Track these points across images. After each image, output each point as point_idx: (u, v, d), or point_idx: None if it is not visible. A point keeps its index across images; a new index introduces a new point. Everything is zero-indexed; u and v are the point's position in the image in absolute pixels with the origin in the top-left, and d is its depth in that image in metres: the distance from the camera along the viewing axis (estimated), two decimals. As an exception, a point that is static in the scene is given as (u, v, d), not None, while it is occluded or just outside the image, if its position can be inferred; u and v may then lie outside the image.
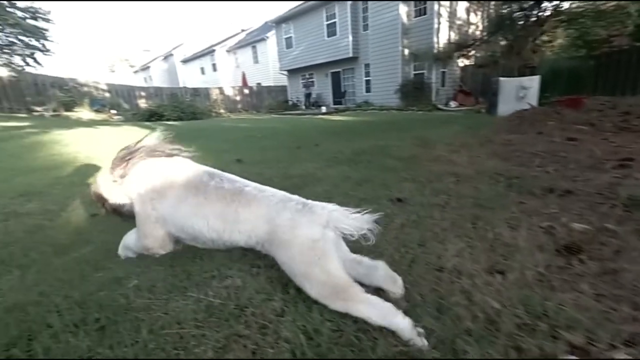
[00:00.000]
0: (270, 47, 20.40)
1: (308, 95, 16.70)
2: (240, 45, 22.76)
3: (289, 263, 1.02)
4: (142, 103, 14.62)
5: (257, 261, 1.34)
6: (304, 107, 16.68)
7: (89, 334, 0.96)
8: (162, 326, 0.98)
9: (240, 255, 1.40)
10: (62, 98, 11.81)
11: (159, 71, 29.41)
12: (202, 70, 25.56)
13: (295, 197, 1.13)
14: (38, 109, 11.22)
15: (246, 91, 18.95)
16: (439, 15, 11.54)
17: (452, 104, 11.73)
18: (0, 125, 7.36)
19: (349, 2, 13.77)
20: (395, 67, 12.75)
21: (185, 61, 27.20)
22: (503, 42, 9.08)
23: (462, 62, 12.28)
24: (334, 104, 16.28)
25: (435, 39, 11.57)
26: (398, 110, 11.77)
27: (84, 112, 11.66)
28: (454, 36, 12.15)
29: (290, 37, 17.24)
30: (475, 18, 13.04)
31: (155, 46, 35.07)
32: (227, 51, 23.56)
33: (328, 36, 15.19)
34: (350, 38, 14.20)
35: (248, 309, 1.05)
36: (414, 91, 12.14)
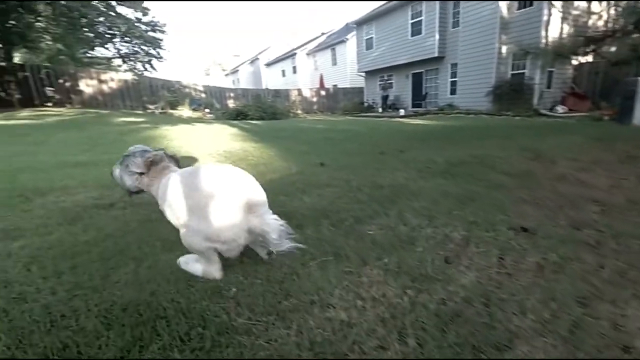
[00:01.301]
0: (349, 49, 20.41)
1: (385, 97, 16.18)
2: (320, 48, 23.33)
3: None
4: (231, 103, 16.04)
5: (360, 291, 1.17)
6: (380, 109, 16.22)
7: (194, 351, 0.90)
8: (265, 360, 0.87)
9: (339, 277, 1.24)
10: (169, 98, 13.68)
11: (245, 74, 32.13)
12: (283, 73, 27.01)
13: None
14: (151, 107, 13.19)
15: (323, 93, 19.32)
16: (551, 5, 9.90)
17: (560, 108, 9.96)
18: (124, 120, 8.81)
19: (438, 2, 12.88)
20: (488, 67, 11.42)
21: (268, 64, 29.14)
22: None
23: (576, 59, 10.32)
24: (413, 107, 15.44)
25: (543, 33, 9.96)
26: (488, 114, 10.51)
27: (184, 110, 13.31)
28: (567, 29, 10.29)
29: (371, 37, 16.94)
30: (599, 6, 10.83)
31: (244, 51, 38.50)
32: (307, 54, 24.41)
33: (412, 35, 14.45)
34: (437, 37, 13.24)
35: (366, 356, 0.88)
36: (511, 94, 10.67)
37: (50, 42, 16.62)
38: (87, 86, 12.51)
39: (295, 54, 24.61)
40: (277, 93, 17.78)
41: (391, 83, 16.80)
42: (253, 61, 31.92)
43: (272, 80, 28.25)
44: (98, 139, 5.10)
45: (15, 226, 1.75)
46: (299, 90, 18.69)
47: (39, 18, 12.65)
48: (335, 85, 20.81)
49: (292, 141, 5.33)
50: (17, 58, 13.70)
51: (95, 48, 18.01)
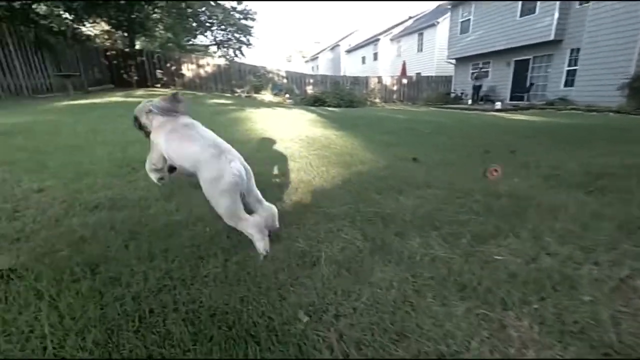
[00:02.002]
0: (439, 33, 18.64)
1: (477, 88, 14.37)
2: (405, 33, 21.89)
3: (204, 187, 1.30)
4: (309, 89, 16.22)
5: (511, 352, 0.81)
6: (469, 101, 14.52)
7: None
8: None
9: (472, 322, 0.90)
10: (254, 82, 14.43)
11: (325, 60, 32.28)
12: (363, 60, 26.29)
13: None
14: (238, 90, 14.12)
15: (404, 81, 18.17)
16: None
17: None
18: (215, 102, 9.52)
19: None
20: (627, 53, 9.08)
21: (349, 51, 28.68)
22: None
23: None
24: (512, 100, 13.39)
25: None
26: (620, 113, 8.39)
27: (266, 95, 13.90)
28: None
29: (468, 20, 15.09)
30: None
31: (325, 38, 38.67)
32: (391, 40, 23.18)
33: (521, 15, 12.35)
34: (556, 15, 11.03)
35: None
36: (657, 87, 8.32)
37: (162, 31, 19.05)
38: (188, 70, 13.97)
39: (378, 39, 23.61)
40: (355, 80, 17.33)
41: (486, 72, 14.83)
42: (333, 48, 31.79)
43: (351, 67, 27.80)
44: (194, 117, 5.50)
45: (121, 195, 1.82)
46: (379, 78, 17.90)
47: (156, 10, 14.46)
48: (418, 74, 19.35)
49: (372, 130, 4.97)
50: (137, 45, 15.96)
51: (197, 36, 19.99)
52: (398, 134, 4.55)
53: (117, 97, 8.21)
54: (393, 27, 24.48)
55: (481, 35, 14.36)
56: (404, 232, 1.50)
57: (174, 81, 13.72)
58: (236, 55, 19.70)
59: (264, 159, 2.80)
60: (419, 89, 18.19)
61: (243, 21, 17.85)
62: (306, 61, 39.13)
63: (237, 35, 18.92)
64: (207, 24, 17.74)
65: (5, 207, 1.57)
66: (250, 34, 18.79)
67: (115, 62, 12.71)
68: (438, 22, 18.62)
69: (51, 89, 8.74)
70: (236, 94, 13.78)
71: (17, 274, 1.06)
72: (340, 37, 32.85)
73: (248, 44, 19.50)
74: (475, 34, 14.65)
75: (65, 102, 6.63)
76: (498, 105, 11.60)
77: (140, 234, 1.40)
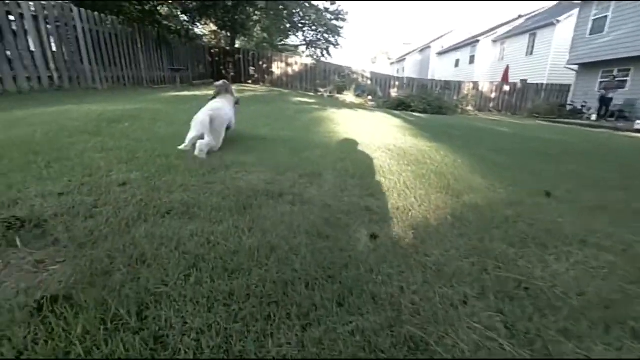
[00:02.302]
0: (558, 34, 15.79)
1: (606, 101, 11.63)
2: (513, 34, 19.20)
3: None
4: (394, 92, 15.41)
5: None
6: (593, 116, 11.87)
7: None
8: None
9: None
10: (338, 83, 14.32)
11: (412, 63, 30.70)
12: (457, 63, 24.09)
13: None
14: (321, 89, 14.18)
15: (506, 88, 15.90)
16: None
17: None
18: (299, 100, 9.61)
19: None
20: None
21: (441, 53, 26.64)
22: None
23: None
24: (658, 118, 10.44)
25: None
26: None
27: (349, 95, 13.62)
28: None
29: (604, 17, 12.33)
30: None
31: (415, 40, 36.70)
32: (494, 41, 20.64)
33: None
34: None
35: None
36: None
37: (259, 32, 20.47)
38: (277, 68, 14.61)
39: (477, 41, 21.28)
40: (447, 85, 15.84)
41: (622, 81, 11.91)
42: (423, 50, 29.98)
43: (441, 70, 25.77)
44: (278, 114, 5.48)
45: (196, 200, 1.63)
46: (475, 84, 16.03)
47: (256, 12, 15.50)
48: (524, 80, 16.75)
49: (473, 145, 4.18)
50: (236, 44, 17.42)
51: (289, 36, 20.89)
52: (510, 153, 3.70)
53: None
54: (497, 27, 21.80)
55: (620, 37, 11.57)
56: (576, 332, 0.93)
57: (264, 78, 14.50)
58: (323, 55, 19.98)
59: (348, 170, 2.41)
60: (523, 98, 15.74)
61: (334, 22, 17.95)
62: (391, 63, 37.87)
63: (326, 35, 19.15)
64: (300, 25, 18.36)
65: (87, 201, 1.50)
66: (339, 35, 18.83)
67: (217, 58, 14.03)
68: (558, 21, 15.79)
69: (164, 81, 9.96)
70: (319, 93, 13.86)
71: (60, 305, 0.86)
72: (432, 38, 30.76)
73: (336, 45, 19.59)
74: (613, 34, 11.88)
75: (172, 93, 7.37)
76: (639, 124, 9.11)
77: (206, 260, 1.14)
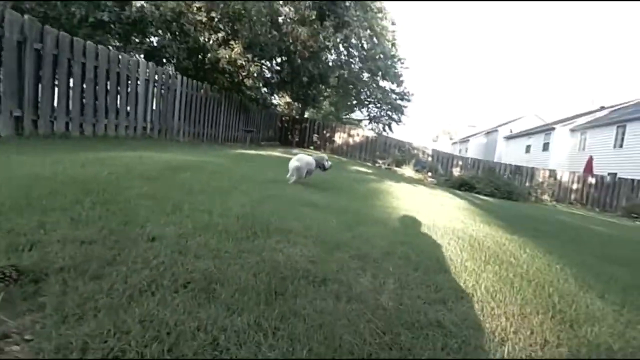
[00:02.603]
0: (656, 128, 14.07)
1: None
2: (596, 125, 17.76)
3: None
4: (456, 172, 14.71)
5: None
6: None
7: None
8: None
9: None
10: (397, 157, 14.27)
11: (476, 145, 29.97)
12: (527, 149, 22.72)
13: None
14: (379, 161, 14.20)
15: (591, 180, 14.07)
16: None
17: None
18: (357, 169, 9.58)
19: None
20: None
21: (509, 138, 25.64)
22: None
23: None
24: None
25: None
26: None
27: (407, 170, 13.33)
28: None
29: None
30: None
31: (480, 123, 36.36)
32: (572, 130, 19.24)
33: None
34: None
35: None
36: None
37: (327, 105, 22.36)
38: (339, 138, 15.30)
39: (552, 128, 20.09)
40: (517, 170, 14.66)
41: None
42: (489, 133, 29.35)
43: (509, 155, 24.46)
44: (334, 181, 5.34)
45: (220, 273, 1.33)
46: (551, 172, 14.56)
47: (327, 89, 17.12)
48: (613, 174, 14.76)
49: (568, 244, 3.37)
50: (305, 114, 19.09)
51: (353, 112, 22.39)
52: (628, 264, 2.82)
53: (276, 152, 9.42)
54: (575, 117, 20.51)
55: None
56: None
57: (325, 145, 15.18)
58: (384, 130, 20.62)
59: (410, 258, 1.96)
60: (614, 194, 13.65)
61: (399, 101, 18.82)
62: (453, 143, 37.53)
63: (389, 113, 20.01)
64: (366, 102, 19.63)
65: (105, 255, 1.31)
66: (402, 113, 19.51)
67: (286, 125, 15.34)
68: (654, 115, 14.22)
69: (236, 140, 10.96)
70: (377, 164, 13.86)
71: None
72: (500, 122, 30.15)
73: (398, 122, 20.20)
74: None
75: (240, 150, 7.92)
76: None
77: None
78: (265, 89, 13.24)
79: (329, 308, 1.24)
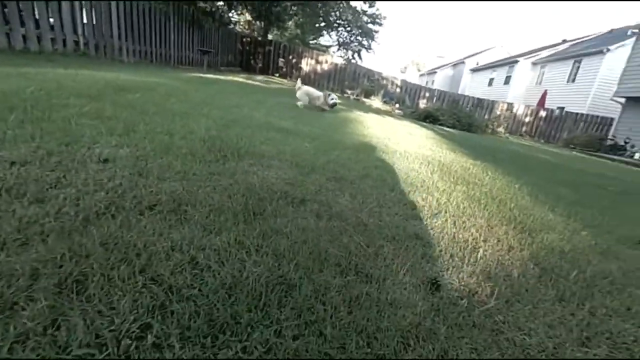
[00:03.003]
0: (607, 63, 14.82)
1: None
2: (556, 58, 18.22)
3: None
4: (423, 103, 14.80)
5: None
6: (637, 154, 10.95)
7: None
8: None
9: None
10: (366, 87, 13.85)
11: (443, 77, 29.91)
12: (490, 82, 23.17)
13: None
14: (348, 91, 13.74)
15: (542, 113, 15.01)
16: None
17: None
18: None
19: None
20: None
21: (475, 70, 25.74)
22: None
23: None
24: None
25: None
26: None
27: (375, 101, 13.15)
28: None
29: (663, 50, 11.39)
30: None
31: (449, 54, 35.69)
32: (534, 63, 19.67)
33: None
34: None
35: None
36: None
37: (293, 27, 20.21)
38: (306, 65, 14.26)
39: (516, 61, 20.34)
40: (479, 102, 15.10)
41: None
42: (457, 64, 29.18)
43: (473, 88, 24.89)
44: (303, 110, 5.10)
45: (191, 196, 1.21)
46: (509, 105, 15.21)
47: (293, 7, 15.17)
48: (561, 108, 15.81)
49: (523, 170, 3.68)
50: (269, 36, 17.17)
51: (322, 35, 20.55)
52: (571, 186, 3.14)
53: (239, 78, 8.61)
54: (539, 50, 20.80)
55: (681, 73, 10.61)
56: None
57: (292, 73, 14.17)
58: (353, 58, 19.49)
59: (385, 180, 1.97)
60: (559, 127, 14.82)
61: (370, 25, 17.47)
62: (421, 75, 37.09)
63: (360, 38, 18.66)
64: (335, 24, 17.95)
65: (46, 178, 1.11)
66: (373, 39, 18.30)
67: (247, 48, 13.78)
68: (608, 50, 14.81)
69: (191, 63, 9.74)
70: (346, 95, 13.43)
71: None
72: (467, 54, 29.86)
73: (369, 49, 19.07)
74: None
75: (196, 74, 7.09)
76: (694, 170, 8.19)
77: (183, 298, 0.71)
78: (221, 2, 11.46)
79: (311, 225, 1.21)
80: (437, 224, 1.45)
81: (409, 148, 3.45)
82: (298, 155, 2.09)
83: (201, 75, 7.08)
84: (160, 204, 1.12)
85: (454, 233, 1.40)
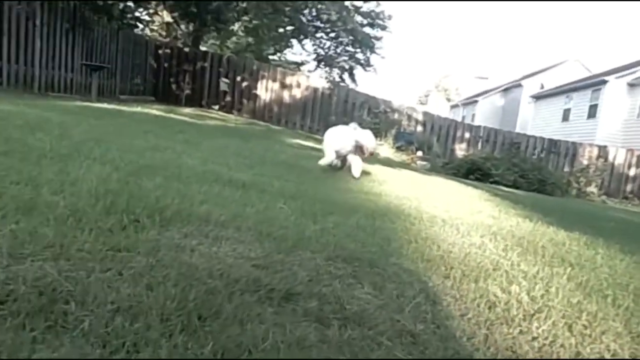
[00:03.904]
0: None
1: None
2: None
3: None
4: (460, 149, 15.60)
5: None
6: None
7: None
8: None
9: None
10: (367, 124, 14.57)
11: (489, 107, 32.39)
12: (565, 115, 25.25)
13: None
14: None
15: (656, 162, 16.18)
16: None
17: None
18: (300, 143, 9.59)
19: None
20: None
21: (538, 97, 28.16)
22: None
23: None
24: None
25: None
26: None
27: (383, 146, 13.77)
28: None
29: None
30: None
31: (495, 74, 39.05)
32: (630, 85, 21.85)
33: None
34: None
35: None
36: None
37: (242, 33, 21.84)
38: (265, 91, 15.03)
39: (602, 82, 22.56)
40: (553, 145, 16.19)
41: None
42: (509, 89, 31.94)
43: (538, 123, 26.96)
44: (265, 155, 5.43)
45: (80, 292, 1.14)
46: (601, 149, 16.38)
47: (240, 1, 16.51)
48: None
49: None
50: (202, 47, 18.32)
51: (290, 46, 22.26)
52: None
53: (153, 110, 8.93)
54: (635, 65, 23.29)
55: None
56: None
57: (241, 104, 14.81)
58: (342, 79, 20.89)
59: (430, 259, 2.07)
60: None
61: (367, 29, 19.17)
62: (453, 105, 39.99)
63: (351, 49, 20.31)
64: (311, 29, 19.56)
65: None
66: (373, 50, 19.93)
67: (166, 64, 14.51)
68: None
69: (71, 88, 10.05)
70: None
71: None
72: (524, 73, 32.93)
73: (367, 65, 20.64)
74: None
75: (82, 103, 7.30)
76: None
77: None
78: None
79: (312, 338, 1.18)
80: (540, 331, 1.44)
81: (457, 214, 3.66)
82: (269, 222, 2.17)
83: (90, 104, 7.30)
84: (13, 300, 1.02)
85: (575, 346, 1.37)
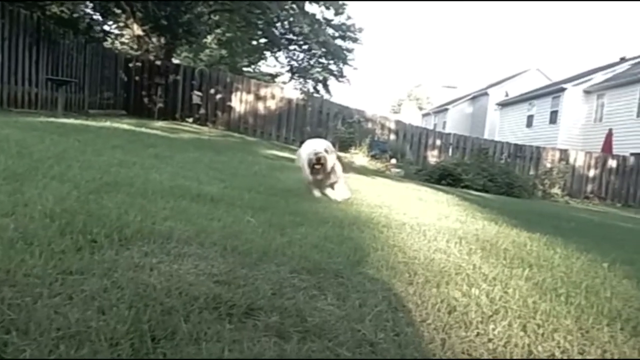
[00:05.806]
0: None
1: None
2: (617, 84, 21.13)
3: None
4: (432, 156, 15.85)
5: None
6: None
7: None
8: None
9: None
10: (342, 134, 14.66)
11: (457, 115, 33.03)
12: (529, 121, 25.95)
13: None
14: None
15: (611, 163, 16.67)
16: None
17: None
18: (275, 154, 9.55)
19: None
20: None
21: (504, 104, 28.87)
22: None
23: None
24: None
25: None
26: None
27: (358, 155, 13.92)
28: None
29: None
30: None
31: (463, 83, 39.99)
32: (586, 92, 22.56)
33: None
34: None
35: None
36: None
37: (215, 46, 21.80)
38: (239, 102, 15.02)
39: (561, 89, 23.26)
40: (519, 150, 16.55)
41: None
42: (476, 97, 32.72)
43: (505, 129, 27.77)
44: (239, 168, 5.41)
45: (23, 320, 1.09)
46: (563, 153, 16.82)
47: (212, 13, 16.49)
48: (637, 154, 17.69)
49: (602, 243, 4.15)
50: (175, 59, 18.19)
51: (263, 58, 22.31)
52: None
53: (123, 124, 8.78)
54: (590, 73, 24.09)
55: None
56: None
57: (215, 116, 14.73)
58: (316, 91, 21.03)
59: (396, 267, 2.06)
60: (638, 182, 16.44)
61: (339, 42, 19.38)
62: (425, 114, 40.54)
63: (324, 61, 20.48)
64: (284, 41, 19.68)
65: None
66: (345, 62, 20.16)
67: (137, 78, 14.34)
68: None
69: (36, 103, 9.82)
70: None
71: None
72: (490, 82, 33.70)
73: (340, 76, 20.85)
74: None
75: (46, 119, 7.13)
76: None
77: None
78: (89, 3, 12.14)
79: (270, 353, 1.15)
80: (496, 332, 1.46)
81: (425, 219, 3.70)
82: (235, 236, 2.14)
83: (55, 119, 7.13)
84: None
85: (529, 345, 1.39)
